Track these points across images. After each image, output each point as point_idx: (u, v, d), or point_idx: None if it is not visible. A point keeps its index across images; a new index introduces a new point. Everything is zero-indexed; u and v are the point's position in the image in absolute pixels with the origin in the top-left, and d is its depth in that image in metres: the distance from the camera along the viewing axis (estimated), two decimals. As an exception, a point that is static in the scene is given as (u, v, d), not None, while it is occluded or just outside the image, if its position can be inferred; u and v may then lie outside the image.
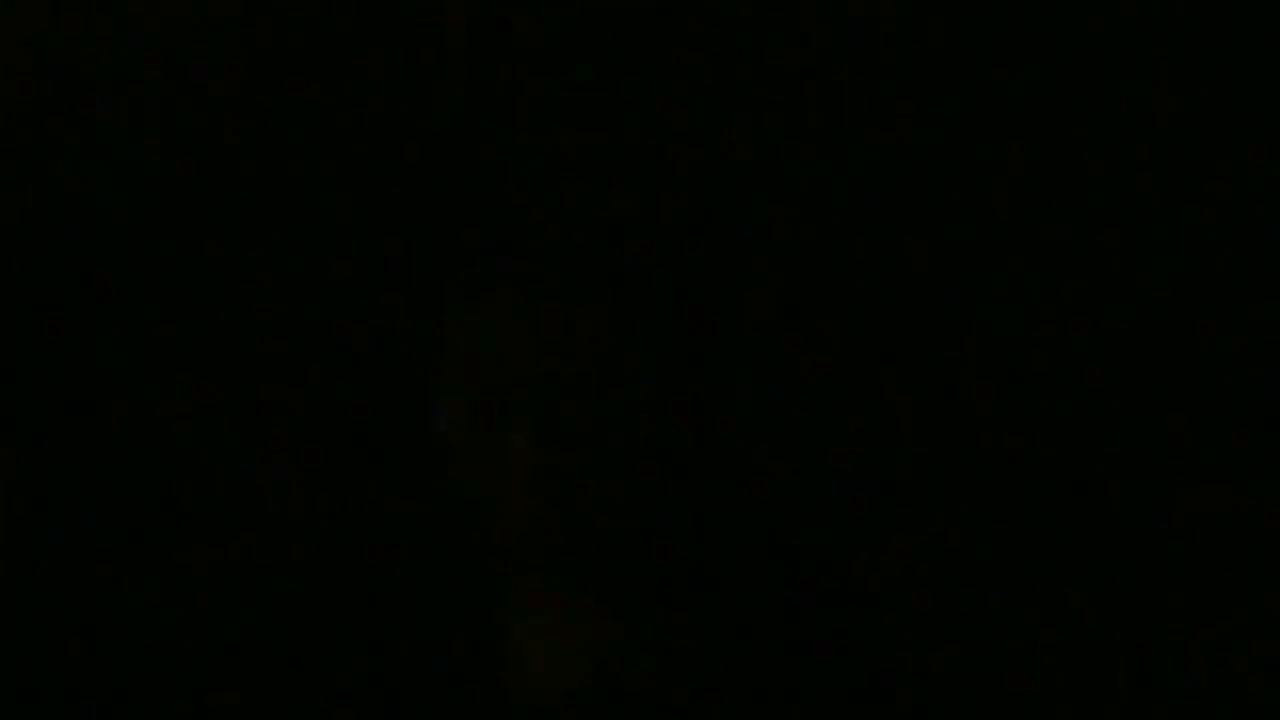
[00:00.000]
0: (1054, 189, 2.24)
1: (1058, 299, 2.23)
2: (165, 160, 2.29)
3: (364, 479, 2.22)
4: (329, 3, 2.30)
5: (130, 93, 2.29)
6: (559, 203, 2.22)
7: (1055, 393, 2.23)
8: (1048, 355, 2.24)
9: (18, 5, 2.28)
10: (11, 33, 2.28)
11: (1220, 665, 2.16)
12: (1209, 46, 2.21)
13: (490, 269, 1.54)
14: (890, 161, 2.27)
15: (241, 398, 2.27)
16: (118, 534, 2.18)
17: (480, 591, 1.63)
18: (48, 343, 2.25)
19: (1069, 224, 2.24)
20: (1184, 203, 2.22)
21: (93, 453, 2.23)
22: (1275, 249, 2.19)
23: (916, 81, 2.25)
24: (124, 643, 2.10)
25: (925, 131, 2.25)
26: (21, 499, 2.17)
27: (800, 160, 2.27)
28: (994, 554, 2.23)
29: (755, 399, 2.25)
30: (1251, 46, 2.20)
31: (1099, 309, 2.23)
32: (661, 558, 1.60)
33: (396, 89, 2.29)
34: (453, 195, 2.24)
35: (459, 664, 1.60)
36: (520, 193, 2.23)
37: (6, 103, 2.28)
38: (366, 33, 2.29)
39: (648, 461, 1.54)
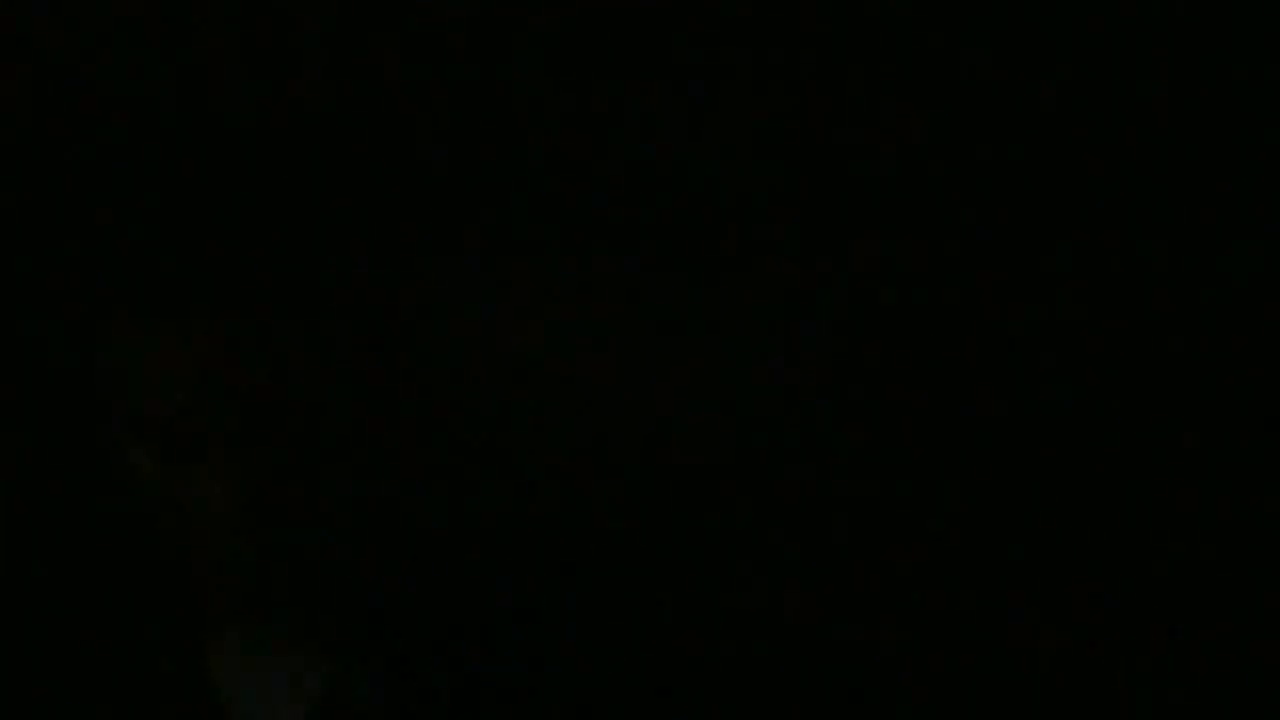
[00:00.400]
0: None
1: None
2: None
3: (49, 519, 2.13)
4: None
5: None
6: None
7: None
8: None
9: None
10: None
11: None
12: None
13: (150, 291, 1.47)
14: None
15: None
16: None
17: (185, 636, 1.55)
18: None
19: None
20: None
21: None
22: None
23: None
24: None
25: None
26: None
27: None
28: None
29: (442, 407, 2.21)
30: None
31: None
32: (371, 583, 1.54)
33: None
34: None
35: (168, 710, 1.53)
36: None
37: None
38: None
39: (341, 478, 1.49)
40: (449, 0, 2.08)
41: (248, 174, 2.14)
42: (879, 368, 2.27)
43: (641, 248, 2.15)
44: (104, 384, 1.43)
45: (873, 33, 2.26)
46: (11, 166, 2.19)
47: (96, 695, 1.52)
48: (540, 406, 2.15)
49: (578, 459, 2.12)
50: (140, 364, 1.43)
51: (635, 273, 2.15)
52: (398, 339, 2.21)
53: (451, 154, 2.11)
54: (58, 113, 2.18)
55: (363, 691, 1.51)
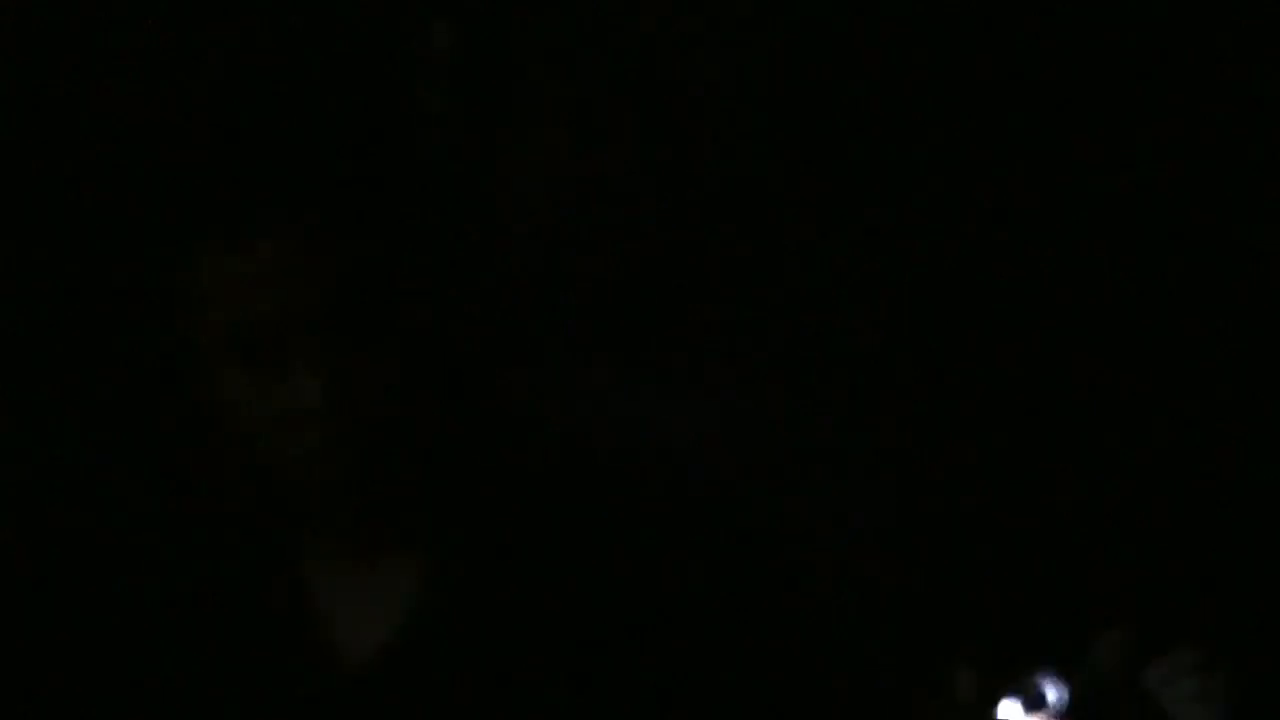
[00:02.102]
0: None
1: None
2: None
3: (133, 446, 2.10)
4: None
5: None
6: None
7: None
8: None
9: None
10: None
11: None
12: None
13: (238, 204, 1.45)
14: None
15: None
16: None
17: (276, 551, 1.55)
18: None
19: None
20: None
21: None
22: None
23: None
24: None
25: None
26: None
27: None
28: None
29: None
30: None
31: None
32: (469, 498, 1.54)
33: None
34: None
35: (267, 628, 1.53)
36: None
37: None
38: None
39: (441, 394, 1.48)
40: None
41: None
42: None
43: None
44: (189, 299, 1.43)
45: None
46: (99, 89, 2.18)
47: (190, 615, 1.54)
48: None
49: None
50: (227, 275, 1.42)
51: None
52: (488, 242, 2.19)
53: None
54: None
55: (457, 599, 1.52)
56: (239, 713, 1.53)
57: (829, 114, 2.27)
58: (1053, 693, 1.34)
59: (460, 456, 1.55)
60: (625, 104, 2.27)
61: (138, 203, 1.61)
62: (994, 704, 1.33)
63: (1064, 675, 1.33)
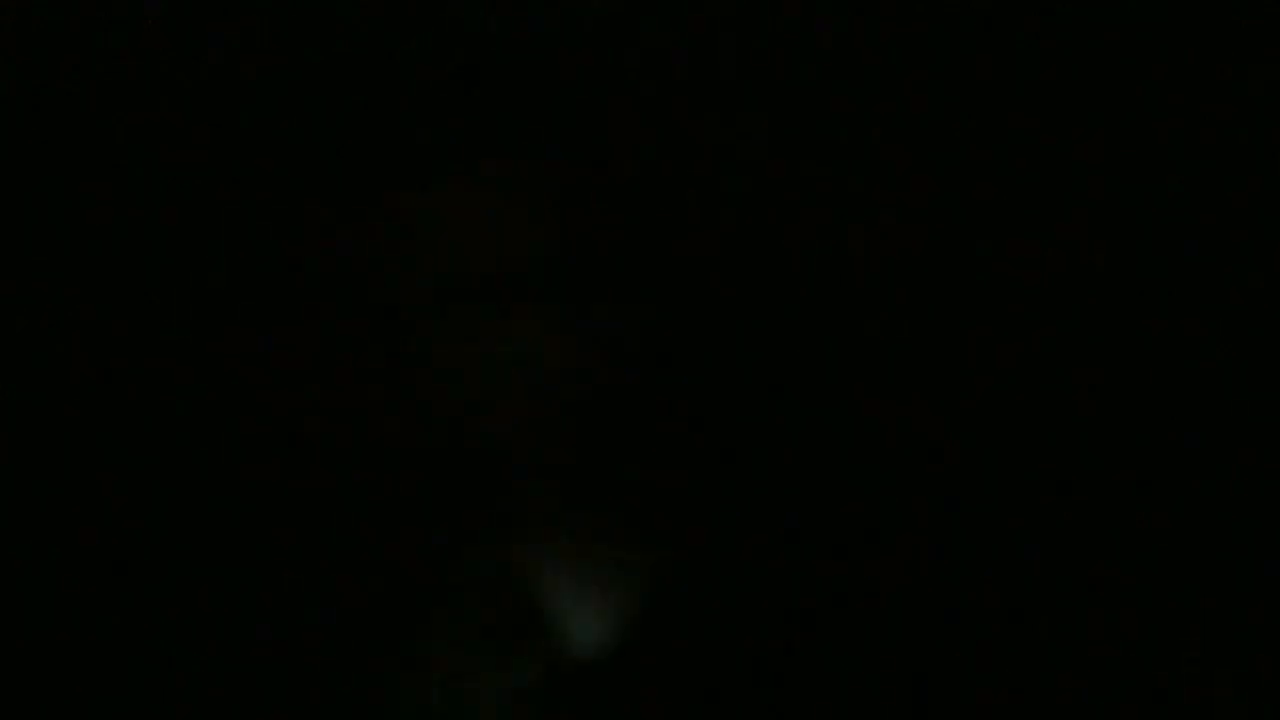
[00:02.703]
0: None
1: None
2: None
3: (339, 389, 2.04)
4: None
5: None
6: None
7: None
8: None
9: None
10: None
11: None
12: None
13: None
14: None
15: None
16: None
17: (493, 528, 1.46)
18: None
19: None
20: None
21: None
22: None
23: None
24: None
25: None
26: None
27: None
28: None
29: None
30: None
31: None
32: (701, 470, 1.40)
33: None
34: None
35: (477, 610, 1.45)
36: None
37: None
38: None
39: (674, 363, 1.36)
40: None
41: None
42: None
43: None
44: (415, 246, 1.34)
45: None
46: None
47: (401, 593, 1.46)
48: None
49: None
50: (455, 222, 1.32)
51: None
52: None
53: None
54: None
55: (693, 587, 1.40)
56: (459, 702, 1.46)
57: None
58: None
59: (695, 443, 1.42)
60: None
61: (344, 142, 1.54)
62: None
63: None
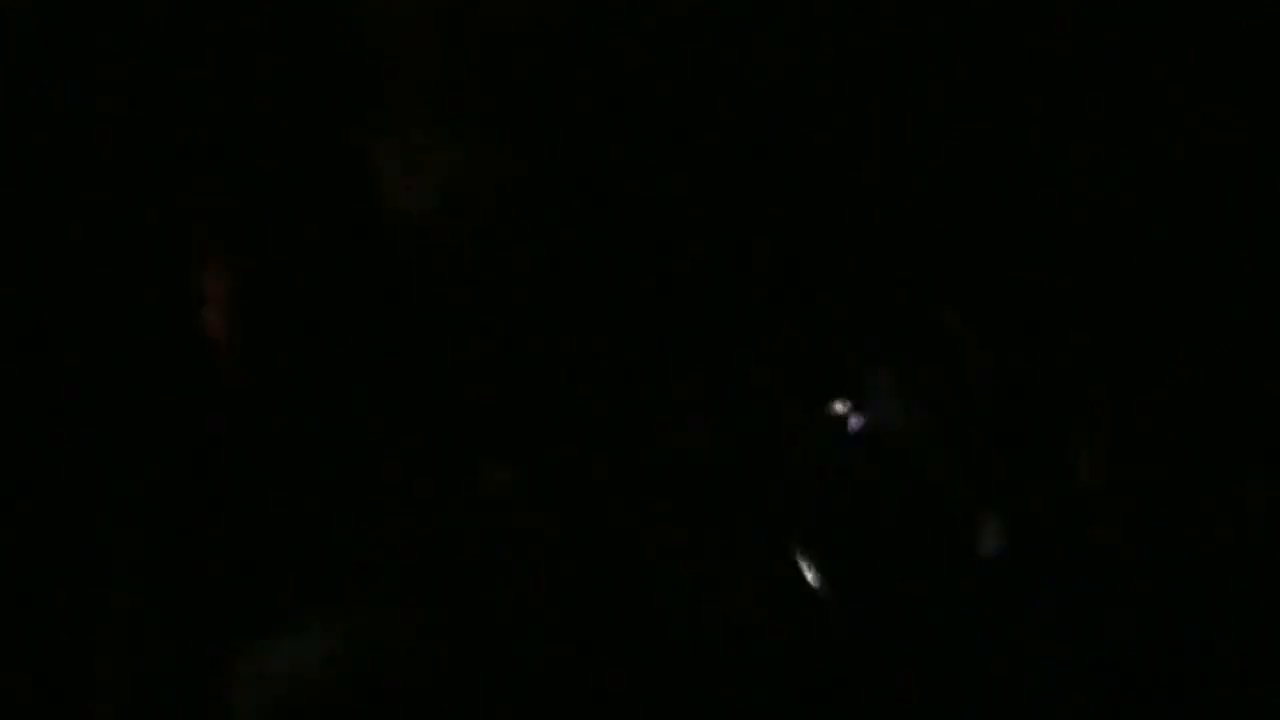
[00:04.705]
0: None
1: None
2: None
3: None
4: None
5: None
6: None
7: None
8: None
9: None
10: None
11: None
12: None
13: None
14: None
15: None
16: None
17: (346, 104, 1.51)
18: None
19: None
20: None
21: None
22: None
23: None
24: None
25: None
26: None
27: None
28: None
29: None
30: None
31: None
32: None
33: None
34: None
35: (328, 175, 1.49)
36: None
37: None
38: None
39: None
40: None
41: None
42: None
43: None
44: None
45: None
46: None
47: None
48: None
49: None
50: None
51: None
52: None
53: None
54: None
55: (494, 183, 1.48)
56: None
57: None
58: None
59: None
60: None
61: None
62: None
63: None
